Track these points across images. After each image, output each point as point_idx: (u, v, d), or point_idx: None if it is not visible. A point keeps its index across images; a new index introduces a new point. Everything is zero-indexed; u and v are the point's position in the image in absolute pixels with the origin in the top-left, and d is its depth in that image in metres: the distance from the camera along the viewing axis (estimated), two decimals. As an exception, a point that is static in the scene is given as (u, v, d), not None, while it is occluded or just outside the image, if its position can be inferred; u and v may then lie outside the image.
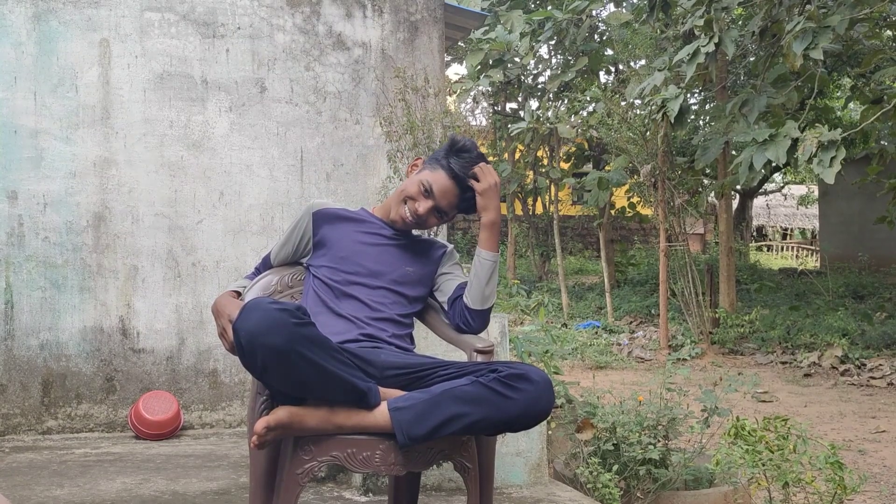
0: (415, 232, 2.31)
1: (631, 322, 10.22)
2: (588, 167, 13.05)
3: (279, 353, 1.68)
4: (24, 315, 3.87)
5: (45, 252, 3.91)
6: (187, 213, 4.12)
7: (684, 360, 7.03)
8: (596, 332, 9.13)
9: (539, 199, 13.90)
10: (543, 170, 12.60)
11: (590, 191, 10.33)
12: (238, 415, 4.16)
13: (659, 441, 3.33)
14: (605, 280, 10.70)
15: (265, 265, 2.28)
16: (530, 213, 13.96)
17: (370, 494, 2.96)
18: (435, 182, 2.15)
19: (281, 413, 1.71)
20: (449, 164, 2.16)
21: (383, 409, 1.80)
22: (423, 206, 2.15)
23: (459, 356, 2.23)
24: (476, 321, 2.17)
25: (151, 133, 4.07)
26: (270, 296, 2.18)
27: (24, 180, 3.89)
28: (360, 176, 4.36)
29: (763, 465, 2.59)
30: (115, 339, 3.99)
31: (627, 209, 13.10)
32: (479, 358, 2.08)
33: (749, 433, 2.55)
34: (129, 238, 4.02)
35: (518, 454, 3.11)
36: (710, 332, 8.40)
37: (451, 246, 2.35)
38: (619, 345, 8.66)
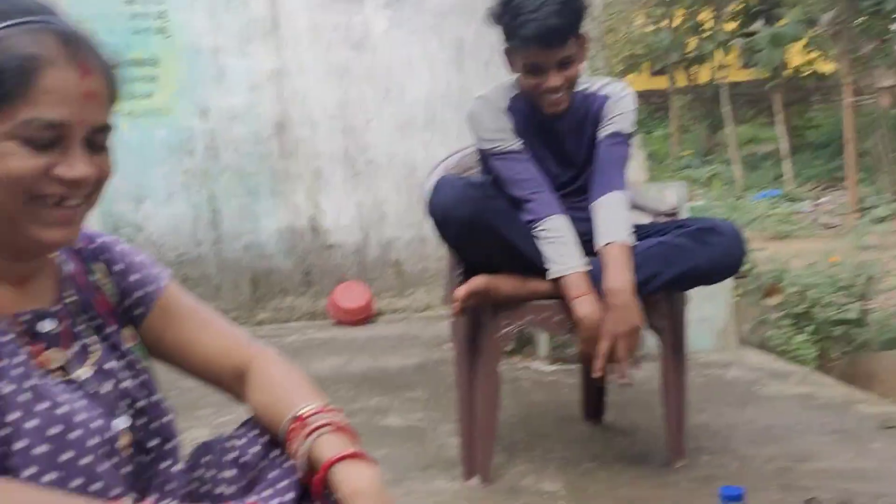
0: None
1: (813, 188, 9.58)
2: (758, 25, 12.01)
3: (470, 225, 1.77)
4: (227, 221, 4.25)
5: (237, 162, 4.24)
6: (357, 114, 4.28)
7: (880, 220, 6.54)
8: (775, 202, 8.66)
9: (703, 66, 13.06)
10: (707, 34, 11.76)
11: (761, 50, 9.58)
12: (423, 301, 4.42)
13: (855, 301, 3.19)
14: (783, 146, 10.02)
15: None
16: (694, 82, 13.19)
17: (557, 364, 3.09)
18: (536, 56, 1.82)
19: (478, 280, 1.83)
20: (518, 34, 1.81)
21: None
22: (553, 80, 1.84)
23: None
24: None
25: (317, 39, 4.22)
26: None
27: (211, 97, 4.19)
28: (519, 58, 4.31)
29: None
30: (308, 238, 4.31)
31: (804, 67, 12.05)
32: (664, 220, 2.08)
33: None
34: (309, 143, 4.27)
35: (703, 320, 3.10)
36: (907, 191, 7.72)
37: (611, 95, 1.95)
38: (802, 213, 8.18)
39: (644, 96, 18.18)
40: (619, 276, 1.76)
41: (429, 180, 2.32)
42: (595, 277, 1.81)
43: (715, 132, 12.98)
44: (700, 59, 12.36)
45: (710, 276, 1.86)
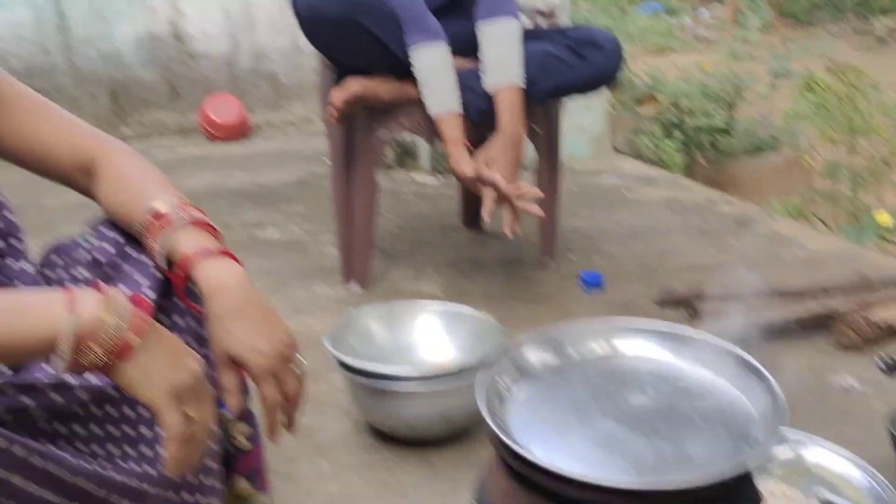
0: None
1: (694, 1, 9.62)
2: None
3: (340, 24, 1.65)
4: (76, 25, 3.83)
5: (82, -43, 3.76)
6: None
7: (751, 34, 6.71)
8: (657, 16, 8.66)
9: None
10: None
11: None
12: (300, 114, 4.25)
13: (723, 111, 3.31)
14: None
15: None
16: None
17: (438, 176, 3.09)
18: None
19: (354, 85, 1.73)
20: None
21: None
22: None
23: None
24: None
25: None
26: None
27: None
28: None
29: (831, 115, 2.57)
30: (171, 45, 3.97)
31: None
32: (542, 21, 2.02)
33: (820, 86, 2.49)
34: (163, -65, 3.82)
35: (580, 129, 3.14)
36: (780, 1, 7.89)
37: None
38: (682, 27, 8.26)
39: None
40: (516, 124, 1.70)
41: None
42: (470, 101, 1.74)
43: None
44: None
45: (584, 88, 1.84)
